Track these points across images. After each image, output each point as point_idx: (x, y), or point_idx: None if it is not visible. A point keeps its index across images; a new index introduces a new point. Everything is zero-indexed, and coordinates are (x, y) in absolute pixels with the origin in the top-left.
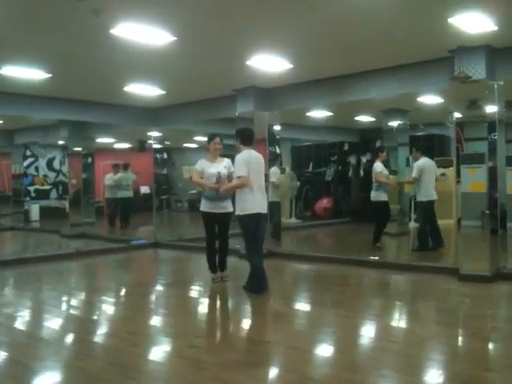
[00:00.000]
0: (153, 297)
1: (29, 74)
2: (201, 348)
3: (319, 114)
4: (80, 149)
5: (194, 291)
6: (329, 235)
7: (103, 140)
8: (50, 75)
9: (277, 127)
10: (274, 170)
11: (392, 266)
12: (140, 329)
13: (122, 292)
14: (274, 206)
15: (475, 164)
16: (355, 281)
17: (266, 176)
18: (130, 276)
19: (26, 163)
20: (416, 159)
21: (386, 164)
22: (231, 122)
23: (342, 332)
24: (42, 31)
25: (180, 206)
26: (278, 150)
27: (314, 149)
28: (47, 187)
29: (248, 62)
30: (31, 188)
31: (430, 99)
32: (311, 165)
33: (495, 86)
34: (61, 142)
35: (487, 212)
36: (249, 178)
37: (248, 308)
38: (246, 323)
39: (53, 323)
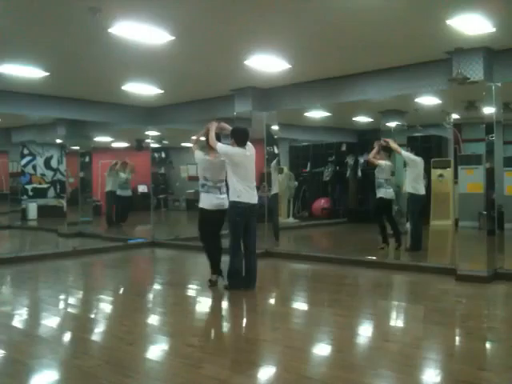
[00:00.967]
0: (150, 295)
1: (27, 72)
2: (197, 347)
3: (317, 114)
4: (78, 147)
5: (191, 290)
6: (326, 235)
7: (101, 139)
8: (48, 74)
9: (275, 127)
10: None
11: (389, 266)
12: (137, 327)
13: (119, 291)
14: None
15: (473, 165)
16: (352, 280)
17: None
18: (127, 275)
19: (23, 162)
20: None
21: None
22: (229, 122)
23: (339, 331)
24: (40, 29)
25: (177, 205)
26: (275, 150)
27: (311, 149)
28: (45, 186)
29: (246, 62)
30: (28, 186)
31: (428, 100)
32: (309, 165)
33: (493, 87)
34: (58, 141)
35: (484, 213)
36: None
37: (245, 307)
38: (243, 322)
39: (50, 321)
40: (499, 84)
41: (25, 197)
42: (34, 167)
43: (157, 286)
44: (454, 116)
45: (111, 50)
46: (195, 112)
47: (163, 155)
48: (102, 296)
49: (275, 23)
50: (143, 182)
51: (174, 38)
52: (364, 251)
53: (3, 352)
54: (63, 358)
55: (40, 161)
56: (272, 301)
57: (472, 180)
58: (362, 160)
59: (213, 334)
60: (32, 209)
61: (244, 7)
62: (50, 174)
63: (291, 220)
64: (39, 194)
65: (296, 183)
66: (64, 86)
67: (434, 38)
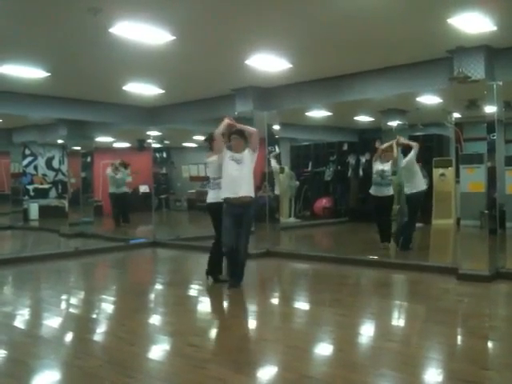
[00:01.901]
0: (151, 296)
1: (28, 72)
2: (199, 347)
3: (318, 113)
4: (79, 148)
5: (193, 290)
6: (327, 235)
7: (102, 139)
8: (49, 74)
9: (276, 127)
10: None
11: (391, 266)
12: (138, 327)
13: (121, 291)
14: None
15: (474, 164)
16: (354, 280)
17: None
18: (129, 275)
19: (24, 162)
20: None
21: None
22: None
23: (341, 331)
24: (40, 30)
25: (179, 206)
26: (277, 150)
27: (313, 148)
28: (46, 186)
29: (247, 62)
30: (30, 187)
31: (429, 99)
32: (310, 164)
33: (494, 86)
34: (60, 141)
35: (486, 212)
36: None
37: (246, 307)
38: (245, 322)
39: (51, 322)
40: (500, 83)
41: (26, 197)
42: (36, 167)
43: (158, 286)
44: (456, 115)
45: (112, 50)
46: (196, 112)
47: (164, 155)
48: (103, 296)
49: (276, 22)
50: (145, 182)
51: (174, 37)
52: (365, 250)
53: (5, 352)
54: (65, 358)
55: (41, 161)
56: (273, 300)
57: (473, 179)
58: (363, 159)
59: (214, 334)
60: (33, 209)
61: (244, 7)
62: (51, 174)
63: (292, 220)
64: (41, 194)
65: (297, 183)
66: (65, 86)
67: (435, 37)
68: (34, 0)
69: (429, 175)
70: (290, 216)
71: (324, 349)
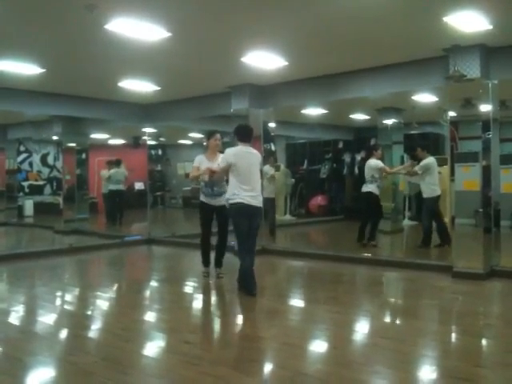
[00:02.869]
0: (146, 292)
1: (22, 68)
2: (194, 344)
3: (314, 111)
4: (74, 144)
5: (188, 287)
6: (323, 232)
7: (97, 136)
8: (44, 70)
9: (271, 124)
10: (267, 168)
11: (386, 264)
12: (133, 324)
13: (116, 288)
14: (269, 203)
15: (469, 162)
16: (349, 278)
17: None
18: (124, 272)
19: (19, 158)
20: (422, 158)
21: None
22: (226, 119)
23: (336, 328)
24: (36, 26)
25: (174, 203)
26: (272, 148)
27: (308, 146)
28: (41, 183)
29: (243, 59)
30: (25, 183)
31: (425, 98)
32: (306, 162)
33: (489, 84)
34: (55, 138)
35: (481, 210)
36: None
37: (242, 304)
38: (240, 319)
39: (46, 318)
40: (496, 81)
41: (21, 194)
42: (31, 164)
43: (153, 283)
44: (451, 113)
45: (107, 47)
46: (192, 109)
47: (160, 152)
48: (98, 293)
49: (272, 20)
50: (140, 180)
51: (170, 34)
52: (360, 248)
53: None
54: (59, 354)
55: (36, 158)
56: (268, 298)
57: (468, 177)
58: (358, 157)
59: (209, 331)
60: (28, 206)
61: (240, 4)
62: (46, 170)
63: (288, 217)
64: (35, 191)
65: (293, 180)
66: (60, 82)
67: (430, 36)
68: None
69: None
70: (285, 214)
71: (319, 346)
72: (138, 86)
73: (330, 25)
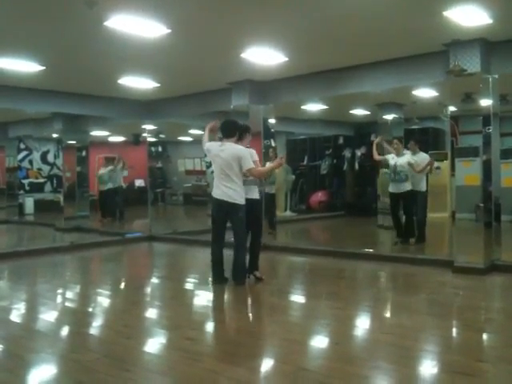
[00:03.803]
0: (148, 289)
1: (22, 66)
2: (196, 340)
3: (314, 107)
4: (74, 142)
5: (189, 284)
6: (323, 228)
7: (98, 133)
8: (44, 68)
9: (272, 120)
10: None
11: (386, 259)
12: (135, 321)
13: (117, 285)
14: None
15: (470, 157)
16: (350, 273)
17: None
18: (125, 269)
19: (19, 156)
20: (414, 152)
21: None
22: (226, 115)
23: (337, 324)
24: (35, 23)
25: (175, 200)
26: (273, 144)
27: (308, 142)
28: (41, 180)
29: (243, 55)
30: (25, 181)
31: (425, 93)
32: (306, 158)
33: (490, 79)
34: (55, 135)
35: (481, 205)
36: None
37: (243, 300)
38: (241, 315)
39: (48, 316)
40: (496, 76)
41: (22, 191)
42: (31, 162)
43: (155, 280)
44: (451, 108)
45: (107, 44)
46: (192, 105)
47: (160, 149)
48: (99, 290)
49: (272, 16)
50: (140, 176)
51: (170, 30)
52: (361, 244)
53: (1, 346)
54: (61, 352)
55: (37, 155)
56: (270, 294)
57: (469, 172)
58: (359, 153)
59: (211, 327)
60: (29, 203)
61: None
62: (46, 168)
63: (288, 213)
64: (36, 188)
65: (293, 176)
66: (60, 80)
67: (430, 30)
68: None
69: None
70: (285, 210)
71: (320, 342)
72: (138, 83)
73: (330, 20)
